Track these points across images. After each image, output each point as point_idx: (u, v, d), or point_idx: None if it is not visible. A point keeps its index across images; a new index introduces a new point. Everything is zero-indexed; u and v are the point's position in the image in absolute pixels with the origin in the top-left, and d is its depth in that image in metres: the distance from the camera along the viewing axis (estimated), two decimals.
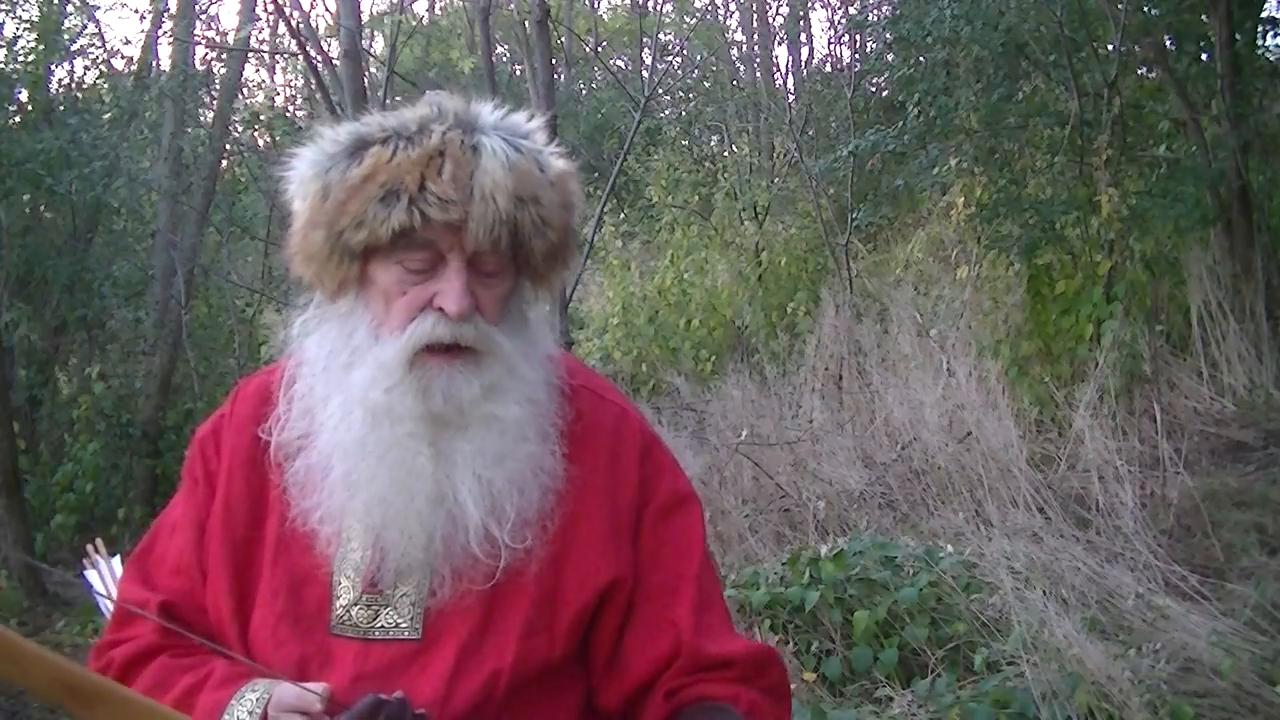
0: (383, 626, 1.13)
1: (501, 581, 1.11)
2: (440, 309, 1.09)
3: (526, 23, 6.05)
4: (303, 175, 1.14)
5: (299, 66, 10.97)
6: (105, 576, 1.97)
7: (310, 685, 1.07)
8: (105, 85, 8.95)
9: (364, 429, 1.11)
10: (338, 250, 1.11)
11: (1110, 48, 6.57)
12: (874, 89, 10.45)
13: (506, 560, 1.10)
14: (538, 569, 1.12)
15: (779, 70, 14.62)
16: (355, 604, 1.13)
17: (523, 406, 1.14)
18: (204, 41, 9.26)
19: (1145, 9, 6.73)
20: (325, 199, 1.10)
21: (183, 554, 1.21)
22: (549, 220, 1.12)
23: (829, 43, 14.16)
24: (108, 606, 1.41)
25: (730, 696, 1.14)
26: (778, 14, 13.96)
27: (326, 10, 11.74)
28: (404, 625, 1.12)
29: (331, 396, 1.14)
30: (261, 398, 1.23)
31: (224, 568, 1.18)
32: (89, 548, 2.12)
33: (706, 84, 14.26)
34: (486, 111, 1.14)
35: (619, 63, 16.03)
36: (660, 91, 11.94)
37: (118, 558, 1.99)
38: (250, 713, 1.07)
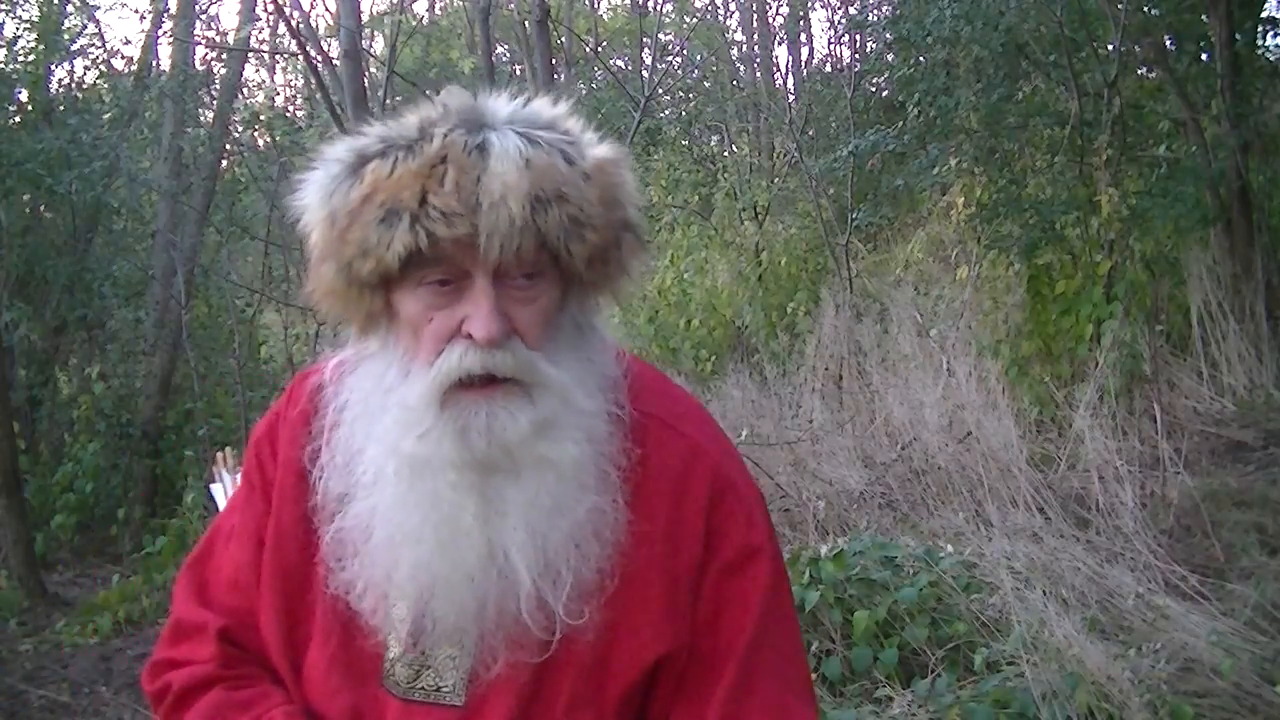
0: (423, 688, 1.04)
1: (553, 651, 1.00)
2: (470, 335, 0.96)
3: (526, 23, 6.05)
4: (311, 204, 1.02)
5: (299, 66, 10.98)
6: (229, 490, 1.91)
7: None
8: (105, 85, 8.95)
9: (402, 485, 0.99)
10: (354, 283, 0.98)
11: (1110, 48, 6.57)
12: (874, 89, 10.46)
13: (560, 631, 0.99)
14: (592, 637, 1.00)
15: (779, 70, 14.64)
16: (399, 660, 1.05)
17: (580, 446, 1.00)
18: (204, 41, 9.26)
19: (1145, 9, 6.74)
20: (332, 227, 0.99)
21: (240, 569, 1.13)
22: (585, 219, 0.96)
23: (829, 43, 14.20)
24: None
25: None
26: (778, 14, 13.99)
27: (326, 10, 11.74)
28: (446, 690, 1.04)
29: (366, 448, 1.03)
30: (310, 409, 1.12)
31: (274, 595, 1.09)
32: (218, 456, 2.06)
33: (706, 84, 14.27)
34: (499, 104, 1.01)
35: (619, 63, 16.03)
36: (660, 91, 11.94)
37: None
38: None
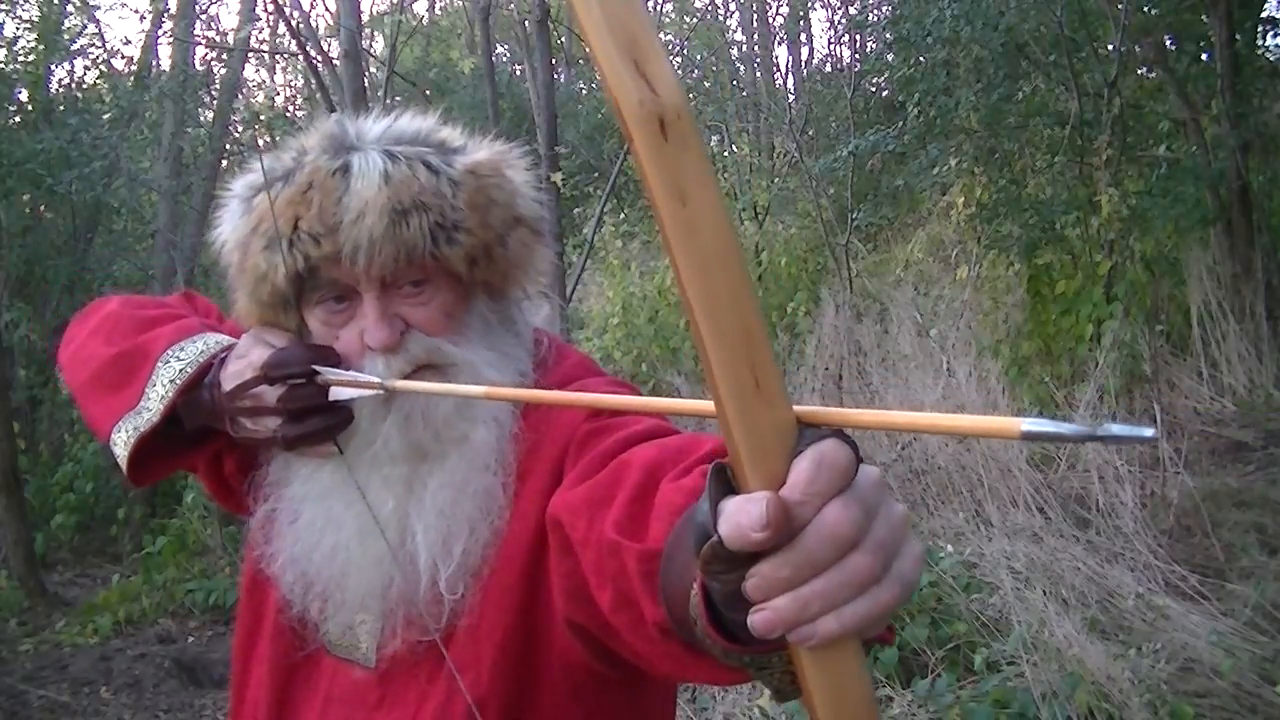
0: (346, 646, 1.09)
1: (446, 627, 1.04)
2: (370, 346, 1.03)
3: (526, 23, 6.05)
4: (226, 239, 1.11)
5: (299, 66, 10.98)
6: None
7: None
8: (105, 85, 8.95)
9: (339, 475, 1.06)
10: (262, 308, 1.08)
11: (1110, 48, 6.58)
12: (874, 89, 10.46)
13: (449, 612, 1.03)
14: (466, 618, 1.04)
15: (779, 70, 14.64)
16: (331, 619, 1.11)
17: (489, 428, 1.05)
18: (204, 41, 9.27)
19: (1145, 9, 6.74)
20: (235, 259, 1.10)
21: None
22: (451, 223, 1.02)
23: (829, 43, 14.22)
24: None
25: None
26: (778, 14, 13.99)
27: (326, 10, 11.74)
28: (361, 651, 1.08)
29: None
30: None
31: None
32: None
33: (706, 84, 14.26)
34: (368, 126, 1.08)
35: None
36: None
37: None
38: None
